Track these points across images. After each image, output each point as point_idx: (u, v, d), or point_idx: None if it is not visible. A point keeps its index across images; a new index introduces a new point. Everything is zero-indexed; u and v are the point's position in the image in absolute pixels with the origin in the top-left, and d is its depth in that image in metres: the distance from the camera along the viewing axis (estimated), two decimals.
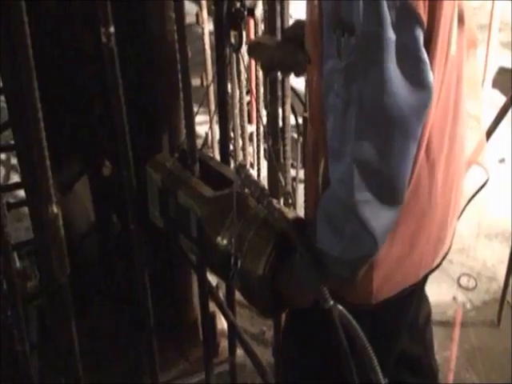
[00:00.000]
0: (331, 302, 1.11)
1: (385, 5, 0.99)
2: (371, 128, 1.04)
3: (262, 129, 2.69)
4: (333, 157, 1.10)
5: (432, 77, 1.05)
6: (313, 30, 1.15)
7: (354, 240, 1.11)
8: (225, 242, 1.28)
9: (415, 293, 1.40)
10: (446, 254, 1.40)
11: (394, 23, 0.99)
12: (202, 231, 1.32)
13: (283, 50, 1.41)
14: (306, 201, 1.41)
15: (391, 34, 1.00)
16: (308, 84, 1.26)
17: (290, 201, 1.23)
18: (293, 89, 2.24)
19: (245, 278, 1.26)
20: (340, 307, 1.11)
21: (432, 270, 1.38)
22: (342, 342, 1.09)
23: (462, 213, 1.43)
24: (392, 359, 1.13)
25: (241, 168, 1.27)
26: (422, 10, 1.03)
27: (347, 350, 1.10)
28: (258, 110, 2.66)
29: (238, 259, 1.25)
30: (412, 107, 1.04)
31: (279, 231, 1.24)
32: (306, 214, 1.43)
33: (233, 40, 1.38)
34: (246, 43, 1.53)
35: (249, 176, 1.26)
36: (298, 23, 1.45)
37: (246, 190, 1.27)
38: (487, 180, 1.46)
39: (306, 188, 1.39)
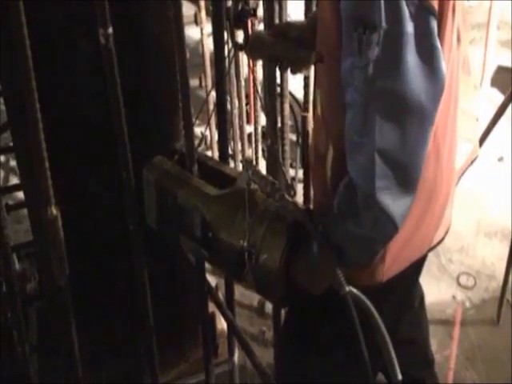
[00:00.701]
0: (347, 289, 1.14)
1: (404, 2, 1.04)
2: (394, 120, 1.09)
3: (260, 129, 2.69)
4: (351, 149, 1.14)
5: (444, 64, 1.10)
6: (325, 30, 1.18)
7: (375, 227, 1.15)
8: (237, 238, 1.28)
9: (415, 271, 1.45)
10: (447, 231, 1.45)
11: (412, 17, 1.05)
12: (208, 230, 1.33)
13: (284, 47, 1.42)
14: (314, 195, 1.43)
15: (410, 28, 1.05)
16: (317, 82, 1.28)
17: (293, 193, 1.25)
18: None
19: (260, 273, 1.27)
20: (357, 292, 1.14)
21: (433, 247, 1.42)
22: (357, 329, 1.12)
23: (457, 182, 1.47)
24: (392, 343, 1.16)
25: (248, 164, 1.28)
26: (436, 2, 1.08)
27: (361, 337, 1.12)
28: (255, 110, 2.67)
29: (252, 255, 1.26)
30: (429, 95, 1.09)
31: (291, 224, 1.25)
32: (314, 204, 1.46)
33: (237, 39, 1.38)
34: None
35: (257, 171, 1.27)
36: (288, 23, 1.50)
37: (252, 186, 1.29)
38: (477, 157, 1.49)
39: (313, 182, 1.41)
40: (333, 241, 1.19)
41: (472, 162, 1.50)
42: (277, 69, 1.56)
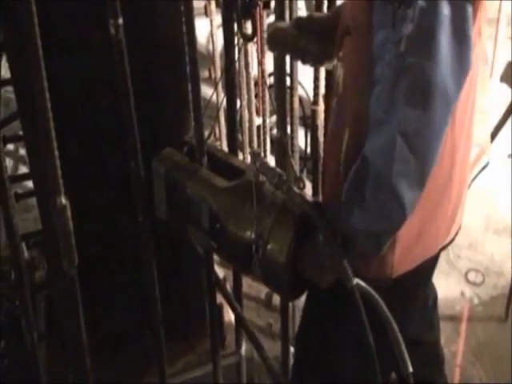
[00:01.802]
0: (354, 281, 1.14)
1: None
2: (419, 99, 1.09)
3: (268, 122, 2.69)
4: (373, 127, 1.13)
5: (472, 54, 1.11)
6: (355, 4, 1.18)
7: (383, 213, 1.15)
8: (244, 230, 1.28)
9: (424, 273, 1.44)
10: (457, 231, 1.45)
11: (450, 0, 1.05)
12: (216, 222, 1.33)
13: (307, 40, 1.41)
14: (323, 184, 1.43)
15: (446, 10, 1.05)
16: (343, 58, 1.27)
17: (302, 185, 1.24)
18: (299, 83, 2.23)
19: (267, 265, 1.27)
20: (363, 285, 1.14)
21: (445, 246, 1.42)
22: (364, 322, 1.12)
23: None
24: (404, 342, 1.15)
25: (256, 156, 1.27)
26: None
27: (368, 331, 1.12)
28: (264, 103, 2.66)
29: (259, 247, 1.26)
30: (456, 81, 1.09)
31: (298, 216, 1.25)
32: (324, 196, 1.45)
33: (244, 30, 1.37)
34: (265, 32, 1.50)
35: (264, 163, 1.27)
36: (311, 16, 1.48)
37: (261, 178, 1.29)
38: (488, 163, 1.50)
39: (324, 169, 1.41)
40: (340, 231, 1.19)
41: (484, 167, 1.48)
42: (287, 60, 1.55)
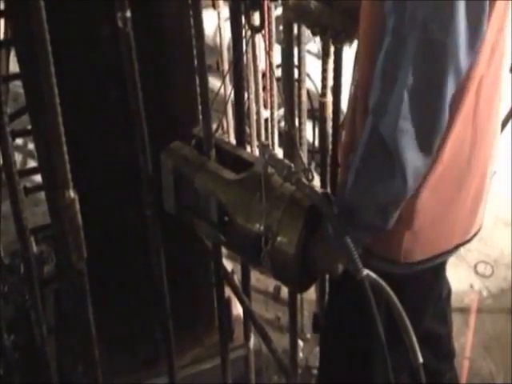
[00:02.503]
0: (364, 272, 1.13)
1: None
2: (427, 56, 1.07)
3: (276, 114, 2.68)
4: (382, 82, 1.12)
5: (485, 28, 1.09)
6: None
7: (385, 181, 1.14)
8: (253, 223, 1.28)
9: (442, 266, 1.43)
10: (477, 232, 1.43)
11: None
12: (224, 215, 1.33)
13: (331, 15, 1.39)
14: (342, 166, 1.41)
15: None
16: (360, 19, 1.26)
17: (311, 176, 1.24)
18: (307, 75, 2.22)
19: (276, 257, 1.27)
20: (374, 275, 1.14)
21: (461, 244, 1.40)
22: (374, 312, 1.12)
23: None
24: (418, 335, 1.15)
25: (264, 148, 1.27)
26: None
27: (379, 322, 1.12)
28: (272, 95, 2.65)
29: (268, 239, 1.26)
30: (466, 46, 1.07)
31: (307, 207, 1.25)
32: (340, 179, 1.44)
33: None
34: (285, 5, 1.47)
35: (273, 155, 1.26)
36: None
37: (269, 170, 1.28)
38: (495, 172, 1.46)
39: (344, 148, 1.38)
40: (346, 207, 1.18)
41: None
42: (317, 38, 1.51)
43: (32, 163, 3.01)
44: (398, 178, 1.13)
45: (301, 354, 2.21)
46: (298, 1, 1.41)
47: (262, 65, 2.55)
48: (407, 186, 1.15)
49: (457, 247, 1.39)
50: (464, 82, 1.16)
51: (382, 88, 1.12)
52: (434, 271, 1.42)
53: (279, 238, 1.26)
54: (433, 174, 1.23)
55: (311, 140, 2.95)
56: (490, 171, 1.38)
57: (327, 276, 1.91)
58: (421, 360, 1.10)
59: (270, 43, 2.40)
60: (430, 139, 1.13)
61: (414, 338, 1.10)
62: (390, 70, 1.10)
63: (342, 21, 1.36)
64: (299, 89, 1.94)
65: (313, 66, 2.67)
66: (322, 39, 1.53)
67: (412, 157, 1.12)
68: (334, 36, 1.43)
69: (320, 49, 2.29)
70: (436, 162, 1.22)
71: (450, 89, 1.10)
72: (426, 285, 1.45)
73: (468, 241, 1.41)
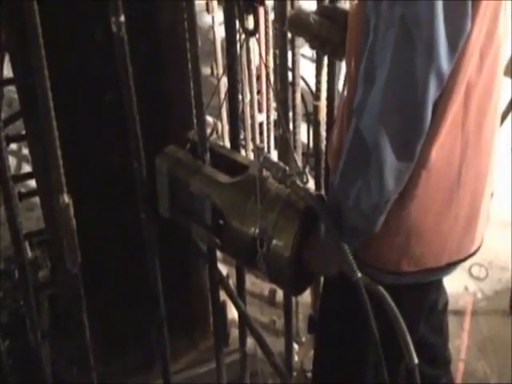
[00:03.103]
0: (359, 274, 1.13)
1: None
2: (406, 54, 1.06)
3: (272, 118, 2.68)
4: (363, 84, 1.11)
5: (469, 25, 1.07)
6: None
7: (365, 185, 1.14)
8: (248, 226, 1.29)
9: (436, 280, 1.42)
10: (474, 252, 1.41)
11: None
12: (219, 218, 1.33)
13: (330, 29, 1.39)
14: (331, 169, 1.41)
15: None
16: (351, 15, 1.26)
17: (305, 179, 1.24)
18: (302, 78, 2.23)
19: (272, 260, 1.28)
20: (368, 279, 1.14)
21: (456, 263, 1.37)
22: (369, 314, 1.12)
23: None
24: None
25: (259, 151, 1.27)
26: None
27: (373, 324, 1.12)
28: (267, 99, 2.66)
29: (263, 242, 1.26)
30: (446, 45, 1.06)
31: (302, 210, 1.26)
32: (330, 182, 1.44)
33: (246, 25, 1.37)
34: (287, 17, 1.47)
35: (268, 158, 1.27)
36: (336, 6, 1.46)
37: (264, 173, 1.29)
38: (492, 194, 1.44)
39: (332, 153, 1.38)
40: (335, 210, 1.18)
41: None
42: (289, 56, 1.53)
43: (26, 168, 3.00)
44: (376, 179, 1.13)
45: (296, 358, 2.21)
46: (297, 14, 1.42)
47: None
48: (386, 188, 1.14)
49: (449, 265, 1.36)
50: (449, 86, 1.14)
51: (364, 88, 1.11)
52: (426, 285, 1.40)
53: (274, 241, 1.26)
54: (419, 181, 1.22)
55: (305, 143, 2.96)
56: (486, 190, 1.35)
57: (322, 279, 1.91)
58: (416, 361, 1.10)
59: (266, 47, 2.40)
60: (411, 141, 1.11)
61: (409, 339, 1.10)
62: (370, 70, 1.10)
63: (341, 34, 1.36)
64: (293, 92, 1.94)
65: (307, 70, 2.68)
66: (321, 53, 1.53)
67: (391, 158, 1.11)
68: (332, 50, 1.43)
69: (314, 53, 2.30)
70: (421, 169, 1.20)
71: (432, 90, 1.08)
72: (419, 296, 1.43)
73: (463, 260, 1.39)
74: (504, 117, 2.42)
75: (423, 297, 1.47)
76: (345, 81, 1.35)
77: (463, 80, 1.16)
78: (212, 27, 2.65)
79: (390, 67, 1.06)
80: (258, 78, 2.62)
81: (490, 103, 1.24)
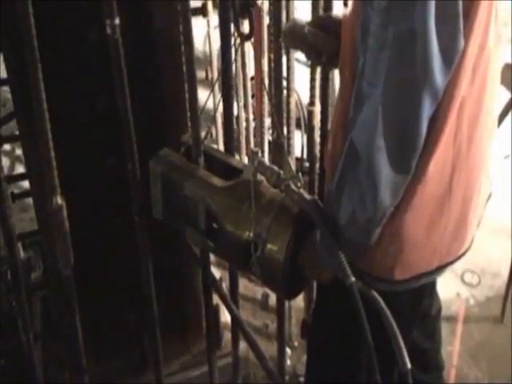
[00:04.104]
0: (352, 279, 1.14)
1: None
2: (400, 73, 1.07)
3: (266, 122, 2.68)
4: (359, 103, 1.12)
5: (463, 42, 1.08)
6: None
7: (362, 199, 1.14)
8: (243, 230, 1.29)
9: (428, 284, 1.42)
10: (463, 254, 1.41)
11: None
12: (213, 222, 1.33)
13: (326, 39, 1.40)
14: (327, 177, 1.42)
15: None
16: (344, 25, 1.27)
17: (299, 184, 1.24)
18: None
19: (266, 264, 1.28)
20: (361, 284, 1.15)
21: (446, 265, 1.38)
22: (362, 319, 1.12)
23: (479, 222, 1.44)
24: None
25: (254, 155, 1.27)
26: None
27: (367, 328, 1.12)
28: (262, 103, 2.66)
29: (258, 246, 1.26)
30: (441, 62, 1.06)
31: (296, 214, 1.26)
32: (326, 190, 1.45)
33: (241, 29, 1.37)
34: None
35: (262, 162, 1.27)
36: (330, 16, 1.48)
37: (258, 177, 1.29)
38: (491, 194, 1.46)
39: (328, 161, 1.39)
40: (332, 221, 1.19)
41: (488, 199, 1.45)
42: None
43: (20, 169, 2.99)
44: (370, 194, 1.13)
45: (288, 362, 2.21)
46: (293, 27, 1.42)
47: (251, 73, 2.56)
48: (381, 202, 1.15)
49: (438, 269, 1.37)
50: (446, 102, 1.15)
51: (358, 105, 1.12)
52: (420, 289, 1.40)
53: (269, 245, 1.26)
54: (415, 195, 1.22)
55: (299, 148, 2.96)
56: (477, 194, 1.36)
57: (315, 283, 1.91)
58: (409, 366, 1.10)
59: (260, 51, 2.40)
60: (407, 156, 1.12)
61: (402, 344, 1.10)
62: (364, 87, 1.10)
63: (337, 44, 1.36)
64: (288, 97, 1.95)
65: (301, 75, 2.68)
66: (316, 64, 1.53)
67: (387, 172, 1.12)
68: (328, 60, 1.43)
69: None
70: (418, 183, 1.21)
71: (427, 107, 1.09)
72: (412, 301, 1.44)
73: (451, 262, 1.40)
74: (501, 120, 2.43)
75: (416, 302, 1.47)
76: (340, 88, 1.36)
77: (459, 94, 1.17)
78: (207, 31, 2.65)
79: (384, 86, 1.07)
80: (252, 78, 2.62)
81: (480, 113, 1.25)
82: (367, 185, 1.13)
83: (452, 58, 1.08)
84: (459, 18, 1.07)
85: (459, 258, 1.41)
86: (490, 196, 1.46)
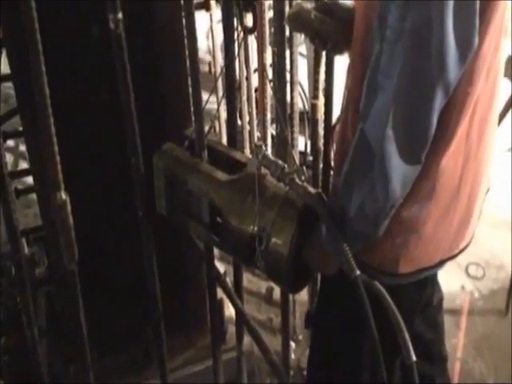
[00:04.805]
0: (357, 272, 1.14)
1: None
2: (415, 65, 1.07)
3: (269, 116, 2.68)
4: (372, 93, 1.12)
5: (477, 39, 1.08)
6: None
7: (372, 191, 1.15)
8: (247, 224, 1.29)
9: (430, 275, 1.43)
10: (464, 248, 1.42)
11: None
12: (217, 216, 1.33)
13: (331, 25, 1.39)
14: (334, 174, 1.42)
15: None
16: (354, 29, 1.26)
17: (303, 177, 1.24)
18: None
19: (270, 258, 1.28)
20: (365, 276, 1.15)
21: (447, 259, 1.39)
22: (367, 311, 1.12)
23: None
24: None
25: (258, 148, 1.27)
26: None
27: (371, 320, 1.12)
28: (265, 97, 2.65)
29: (262, 240, 1.26)
30: (456, 57, 1.07)
31: (301, 208, 1.26)
32: (333, 183, 1.45)
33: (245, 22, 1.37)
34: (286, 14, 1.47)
35: (266, 156, 1.26)
36: (337, 2, 1.46)
37: (262, 171, 1.29)
38: (488, 189, 1.46)
39: (334, 158, 1.39)
40: (339, 214, 1.19)
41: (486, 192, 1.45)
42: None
43: (23, 165, 3.00)
44: (381, 184, 1.14)
45: (293, 356, 2.21)
46: (298, 11, 1.41)
47: (254, 66, 2.55)
48: (392, 193, 1.15)
49: (441, 262, 1.38)
50: (461, 98, 1.16)
51: (371, 95, 1.12)
52: (422, 281, 1.41)
53: (273, 239, 1.26)
54: (425, 189, 1.23)
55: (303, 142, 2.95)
56: (482, 190, 1.37)
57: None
58: (414, 358, 1.10)
59: (262, 45, 2.40)
60: (416, 147, 1.13)
61: (407, 336, 1.10)
62: (378, 78, 1.11)
63: (343, 31, 1.36)
64: (291, 91, 1.94)
65: (305, 69, 2.68)
66: (321, 49, 1.53)
67: (398, 164, 1.12)
68: (334, 46, 1.43)
69: (312, 51, 2.30)
70: (429, 178, 1.22)
71: (439, 99, 1.10)
72: (414, 292, 1.44)
73: (454, 256, 1.41)
74: (502, 117, 2.42)
75: (418, 292, 1.48)
76: (347, 79, 1.36)
77: (475, 93, 1.18)
78: (210, 25, 2.65)
79: (399, 77, 1.08)
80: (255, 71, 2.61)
81: (490, 110, 1.26)
82: (378, 175, 1.13)
83: (467, 53, 1.08)
84: (476, 15, 1.07)
85: (461, 252, 1.42)
86: (488, 190, 1.45)
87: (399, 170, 1.13)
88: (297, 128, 2.06)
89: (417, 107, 1.10)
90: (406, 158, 1.12)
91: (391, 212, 1.20)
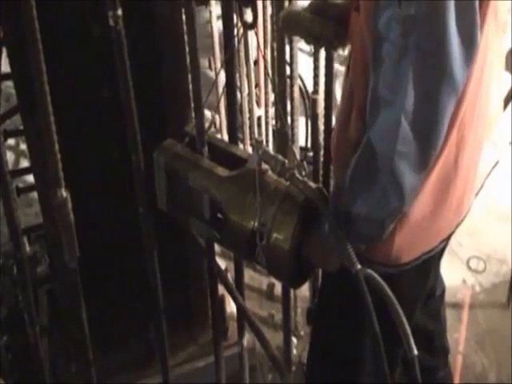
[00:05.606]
0: (358, 266, 1.14)
1: None
2: (424, 80, 1.08)
3: (270, 112, 2.68)
4: (377, 107, 1.13)
5: (479, 40, 1.09)
6: None
7: (383, 198, 1.15)
8: (248, 219, 1.28)
9: (432, 262, 1.44)
10: (458, 224, 1.43)
11: None
12: (218, 212, 1.33)
13: (323, 24, 1.40)
14: (334, 168, 1.42)
15: None
16: (350, 39, 1.27)
17: (304, 173, 1.24)
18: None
19: (271, 253, 1.28)
20: (368, 270, 1.14)
21: (446, 238, 1.41)
22: (368, 306, 1.12)
23: (479, 191, 1.45)
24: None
25: (258, 144, 1.27)
26: None
27: (373, 315, 1.13)
28: (266, 93, 2.65)
29: (263, 236, 1.26)
30: (462, 63, 1.08)
31: (301, 203, 1.26)
32: (335, 179, 1.45)
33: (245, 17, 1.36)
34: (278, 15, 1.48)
35: (267, 151, 1.27)
36: (326, 1, 1.47)
37: (263, 166, 1.29)
38: (498, 162, 1.47)
39: (334, 152, 1.39)
40: (343, 215, 1.19)
41: (495, 165, 1.46)
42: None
43: (24, 163, 3.00)
44: (395, 199, 1.15)
45: (294, 351, 2.21)
46: (289, 13, 1.42)
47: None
48: (404, 202, 1.16)
49: (440, 243, 1.40)
50: (461, 96, 1.15)
51: (379, 111, 1.12)
52: (422, 268, 1.41)
53: (274, 234, 1.26)
54: (425, 183, 1.23)
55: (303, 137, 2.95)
56: (476, 166, 1.37)
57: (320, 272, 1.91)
58: (415, 352, 1.10)
59: (264, 40, 2.39)
60: (428, 158, 1.14)
61: (409, 331, 1.10)
62: (384, 93, 1.11)
63: (334, 28, 1.37)
64: (291, 86, 1.94)
65: (304, 64, 2.67)
66: (315, 48, 1.53)
67: (410, 177, 1.13)
68: (327, 44, 1.44)
69: (312, 47, 2.30)
70: (427, 173, 1.22)
71: (450, 108, 1.11)
72: (416, 281, 1.45)
73: (451, 234, 1.42)
74: (505, 105, 2.42)
75: (421, 282, 1.48)
76: (345, 76, 1.35)
77: (472, 90, 1.19)
78: (209, 20, 2.64)
79: (406, 92, 1.08)
80: (256, 62, 2.60)
81: (479, 94, 1.25)
82: (391, 187, 1.14)
83: (471, 52, 1.09)
84: (476, 12, 1.07)
85: (457, 227, 1.43)
86: (496, 163, 1.46)
87: (410, 182, 1.14)
88: (297, 123, 2.06)
89: (429, 120, 1.11)
90: (417, 167, 1.13)
91: (399, 216, 1.21)
